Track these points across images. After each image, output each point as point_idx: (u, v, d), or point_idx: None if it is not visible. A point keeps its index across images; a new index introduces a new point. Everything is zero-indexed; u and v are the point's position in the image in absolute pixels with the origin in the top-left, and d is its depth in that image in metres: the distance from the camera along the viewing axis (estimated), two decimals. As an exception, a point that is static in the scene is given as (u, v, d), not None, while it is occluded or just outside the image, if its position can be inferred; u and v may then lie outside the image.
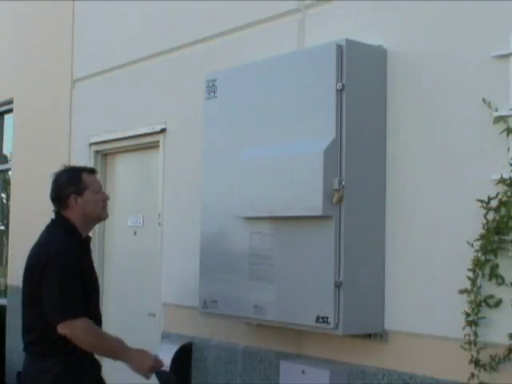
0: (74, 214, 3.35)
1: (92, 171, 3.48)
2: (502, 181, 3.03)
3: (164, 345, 4.89)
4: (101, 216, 3.48)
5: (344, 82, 3.38)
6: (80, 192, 3.33)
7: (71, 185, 3.34)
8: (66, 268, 3.17)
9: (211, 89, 4.10)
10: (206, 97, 4.14)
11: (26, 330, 3.32)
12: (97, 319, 3.35)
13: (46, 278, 3.17)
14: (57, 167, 6.23)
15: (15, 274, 7.33)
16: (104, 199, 3.45)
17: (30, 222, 7.02)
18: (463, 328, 3.10)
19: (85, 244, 3.44)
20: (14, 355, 7.18)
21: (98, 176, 3.53)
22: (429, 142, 3.40)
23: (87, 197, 3.34)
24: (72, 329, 3.16)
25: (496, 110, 3.11)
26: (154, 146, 5.38)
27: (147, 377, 3.43)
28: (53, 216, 3.47)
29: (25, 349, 3.34)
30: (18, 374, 7.20)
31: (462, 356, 3.13)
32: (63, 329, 3.15)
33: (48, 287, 3.16)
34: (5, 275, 7.82)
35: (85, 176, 3.38)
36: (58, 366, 3.19)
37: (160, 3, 5.34)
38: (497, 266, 3.05)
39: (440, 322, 3.30)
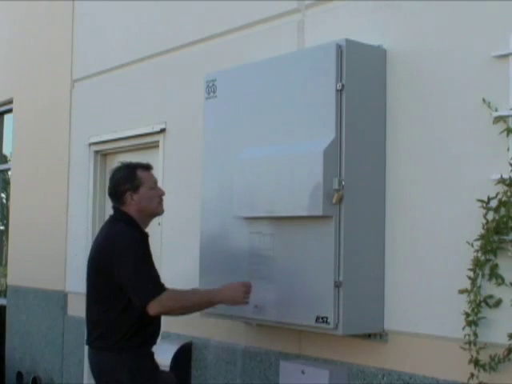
0: (131, 210, 3.41)
1: (147, 167, 3.52)
2: (501, 181, 3.03)
3: (164, 345, 4.89)
4: (156, 211, 3.54)
5: (344, 82, 3.38)
6: (135, 188, 3.40)
7: (127, 182, 3.41)
8: (135, 253, 3.25)
9: (211, 89, 4.10)
10: (206, 97, 4.14)
11: (94, 325, 3.38)
12: None
13: (120, 267, 3.23)
14: (56, 167, 6.22)
15: (15, 274, 7.35)
16: (159, 195, 3.52)
17: (30, 221, 7.03)
18: (463, 328, 3.10)
19: (146, 238, 3.49)
20: (13, 355, 7.18)
21: (154, 172, 3.59)
22: (428, 141, 3.40)
23: (142, 193, 3.41)
24: (161, 306, 3.23)
25: (496, 110, 3.11)
26: (154, 146, 5.38)
27: (247, 303, 3.44)
28: (101, 213, 3.58)
29: (91, 343, 3.40)
30: (18, 373, 7.25)
31: (461, 356, 3.13)
32: (152, 309, 3.21)
33: (125, 276, 3.23)
34: (5, 275, 7.82)
35: (140, 172, 3.44)
36: (129, 360, 3.28)
37: (160, 3, 5.34)
38: (496, 265, 3.05)
39: (440, 322, 3.30)
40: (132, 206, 3.40)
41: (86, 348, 3.62)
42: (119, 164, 3.55)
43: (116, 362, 3.28)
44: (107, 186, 3.55)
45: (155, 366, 3.45)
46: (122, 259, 3.23)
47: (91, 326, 3.42)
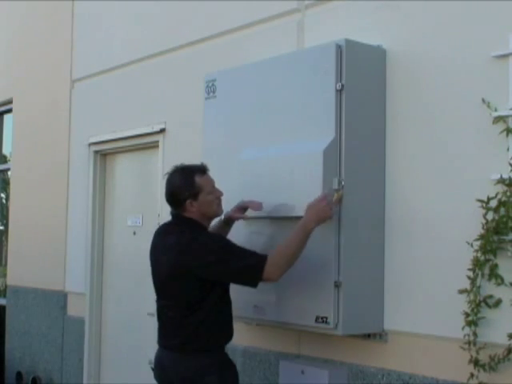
0: (193, 215, 3.36)
1: (204, 171, 3.44)
2: (501, 181, 3.03)
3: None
4: (216, 214, 3.49)
5: (343, 82, 3.38)
6: (195, 196, 3.33)
7: (185, 190, 3.33)
8: (220, 247, 3.20)
9: (211, 89, 4.10)
10: (206, 97, 4.14)
11: (174, 331, 3.31)
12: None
13: (211, 266, 3.17)
14: (56, 167, 6.19)
15: (14, 274, 7.35)
16: (217, 197, 3.45)
17: (30, 221, 7.03)
18: (463, 328, 3.10)
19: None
20: (13, 355, 7.18)
21: (210, 174, 3.48)
22: (428, 141, 3.40)
23: (202, 199, 3.34)
24: (278, 267, 3.18)
25: (495, 110, 3.11)
26: (154, 146, 5.38)
27: (332, 215, 3.29)
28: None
29: (170, 349, 3.34)
30: (18, 373, 7.25)
31: (461, 356, 3.13)
32: (272, 274, 3.18)
33: (221, 271, 3.19)
34: (4, 275, 7.82)
35: (197, 179, 3.36)
36: (214, 366, 3.26)
37: (159, 3, 5.34)
38: (496, 265, 3.05)
39: (439, 321, 3.31)
40: (193, 212, 3.35)
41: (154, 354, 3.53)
42: (174, 168, 3.45)
43: (200, 365, 3.25)
44: (164, 191, 3.43)
45: (234, 363, 3.44)
46: (207, 260, 3.17)
47: (171, 334, 3.34)
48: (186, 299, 3.27)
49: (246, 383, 4.26)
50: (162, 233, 3.48)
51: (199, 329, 3.26)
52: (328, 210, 3.23)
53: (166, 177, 3.44)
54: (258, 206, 3.55)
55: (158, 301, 3.45)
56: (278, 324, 3.67)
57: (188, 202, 3.33)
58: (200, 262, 3.19)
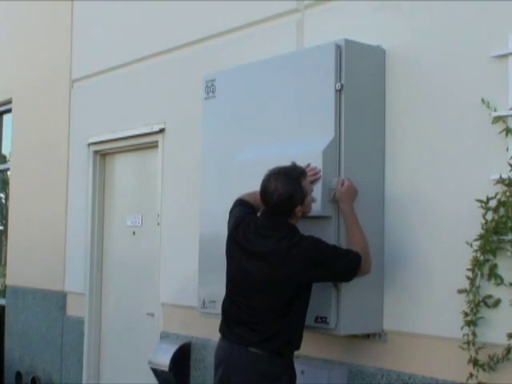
0: (294, 220, 3.25)
1: (305, 173, 3.29)
2: (500, 181, 3.03)
3: (163, 345, 4.89)
4: (308, 213, 3.36)
5: (343, 82, 3.38)
6: (302, 200, 3.21)
7: (297, 197, 3.19)
8: (313, 249, 3.13)
9: (210, 89, 4.10)
10: (205, 97, 4.14)
11: (254, 329, 3.22)
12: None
13: (312, 270, 3.12)
14: (56, 167, 6.19)
15: (14, 274, 7.35)
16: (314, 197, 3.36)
17: (29, 221, 7.02)
18: (462, 328, 3.10)
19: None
20: (13, 355, 7.18)
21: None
22: (427, 141, 3.41)
23: (307, 202, 3.25)
24: (368, 268, 3.24)
25: (495, 110, 3.11)
26: (153, 146, 5.38)
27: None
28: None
29: (247, 345, 3.23)
30: (17, 373, 7.25)
31: (460, 356, 3.13)
32: (365, 274, 3.25)
33: (324, 273, 3.15)
34: (4, 275, 7.82)
35: (303, 182, 3.22)
36: (288, 371, 3.23)
37: (158, 3, 5.34)
38: (496, 266, 3.05)
39: (439, 322, 3.31)
40: (297, 217, 3.24)
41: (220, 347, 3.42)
42: (274, 173, 3.22)
43: (276, 366, 3.20)
44: (266, 197, 3.21)
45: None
46: (311, 265, 3.11)
47: (253, 328, 3.23)
48: (278, 303, 3.18)
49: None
50: (255, 232, 3.27)
51: (282, 330, 3.19)
52: (352, 186, 3.30)
53: (265, 183, 3.22)
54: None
55: (235, 296, 3.31)
56: (278, 324, 3.67)
57: (298, 208, 3.20)
58: (301, 269, 3.11)
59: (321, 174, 3.35)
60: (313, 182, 3.33)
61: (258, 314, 3.22)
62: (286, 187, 3.16)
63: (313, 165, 3.36)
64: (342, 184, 3.31)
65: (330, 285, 3.32)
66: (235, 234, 3.34)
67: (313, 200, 3.30)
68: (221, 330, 3.37)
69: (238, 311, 3.29)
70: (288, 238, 3.16)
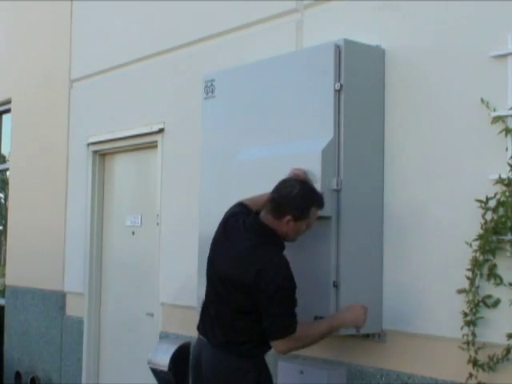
0: (279, 230, 3.19)
1: (320, 206, 3.22)
2: (500, 181, 3.03)
3: (162, 345, 4.89)
4: (292, 240, 3.29)
5: (342, 82, 3.38)
6: (297, 219, 3.16)
7: (297, 208, 3.14)
8: (284, 297, 3.10)
9: (209, 89, 4.10)
10: (205, 97, 4.14)
11: (222, 330, 3.23)
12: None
13: (267, 304, 3.09)
14: (55, 167, 6.18)
15: (13, 274, 7.34)
16: (305, 231, 3.28)
17: (29, 221, 7.02)
18: (461, 328, 3.10)
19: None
20: (12, 355, 7.17)
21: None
22: (427, 141, 3.40)
23: (299, 225, 3.19)
24: (286, 347, 3.16)
25: (494, 110, 3.11)
26: (152, 146, 5.38)
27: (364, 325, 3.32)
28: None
29: (212, 343, 3.26)
30: (17, 373, 7.24)
31: (460, 356, 3.13)
32: (278, 348, 3.16)
33: (266, 311, 3.11)
34: (3, 275, 7.82)
35: (313, 209, 3.18)
36: (253, 368, 3.20)
37: (158, 3, 5.34)
38: (495, 266, 3.06)
39: (438, 321, 3.31)
40: (282, 228, 3.18)
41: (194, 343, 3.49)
42: (305, 182, 3.20)
43: (241, 365, 3.19)
44: (280, 186, 3.19)
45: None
46: (270, 298, 3.08)
47: (219, 326, 3.26)
48: (243, 304, 3.17)
49: (245, 383, 4.26)
50: (238, 231, 3.26)
51: (248, 334, 3.19)
52: (365, 319, 3.23)
53: (288, 179, 3.21)
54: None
55: (210, 296, 3.33)
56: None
57: (288, 217, 3.15)
58: (264, 289, 3.08)
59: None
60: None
61: (227, 313, 3.22)
62: (298, 196, 3.13)
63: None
64: (364, 308, 3.25)
65: (328, 285, 3.32)
66: (223, 229, 3.34)
67: (305, 229, 3.23)
68: (197, 326, 3.41)
69: (209, 307, 3.32)
70: (269, 250, 3.14)
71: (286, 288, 3.09)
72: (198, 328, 3.40)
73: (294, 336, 3.11)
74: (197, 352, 3.37)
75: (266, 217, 3.20)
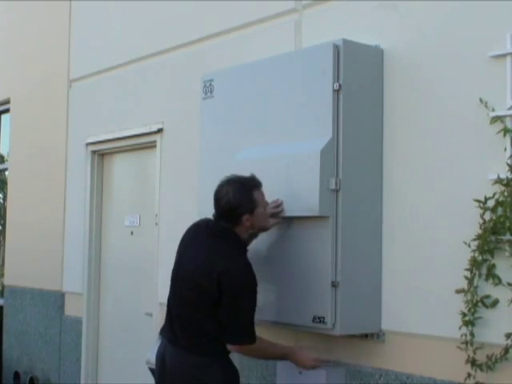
0: (242, 230, 3.30)
1: (259, 185, 3.35)
2: (498, 181, 3.03)
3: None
4: (265, 228, 3.44)
5: (341, 82, 3.38)
6: (251, 211, 3.26)
7: (245, 205, 3.24)
8: (245, 300, 3.19)
9: (208, 89, 4.10)
10: (203, 97, 4.14)
11: (185, 331, 3.30)
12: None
13: (228, 304, 3.17)
14: (54, 167, 6.17)
15: (12, 274, 7.34)
16: (270, 213, 3.41)
17: (27, 221, 7.02)
18: (460, 328, 3.10)
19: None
20: (11, 355, 7.17)
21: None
22: (425, 141, 3.40)
23: (257, 214, 3.28)
24: (242, 351, 3.36)
25: (493, 110, 3.11)
26: (151, 145, 5.37)
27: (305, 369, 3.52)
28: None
29: (175, 343, 3.33)
30: (16, 373, 7.24)
31: (458, 356, 3.13)
32: (234, 349, 3.30)
33: (226, 314, 3.20)
34: (2, 275, 7.81)
35: (255, 193, 3.28)
36: (215, 363, 3.27)
37: (157, 3, 5.34)
38: (494, 266, 3.06)
39: (437, 321, 3.31)
40: (245, 226, 3.28)
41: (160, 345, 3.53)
42: (227, 180, 3.31)
43: (202, 362, 3.25)
44: (216, 200, 3.30)
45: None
46: (233, 300, 3.16)
47: (182, 330, 3.31)
48: (206, 306, 3.22)
49: (244, 383, 4.26)
50: (202, 235, 3.38)
51: (211, 335, 3.25)
52: (307, 367, 3.43)
53: (219, 187, 3.31)
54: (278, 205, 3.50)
55: (174, 298, 3.39)
56: (276, 324, 3.67)
57: (245, 217, 3.25)
58: (228, 293, 3.15)
59: (283, 207, 3.44)
60: (275, 214, 3.44)
61: (190, 315, 3.28)
62: (237, 195, 3.24)
63: (279, 200, 3.46)
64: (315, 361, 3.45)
65: (327, 284, 3.32)
66: (188, 236, 3.49)
67: (267, 216, 3.35)
68: (161, 329, 3.50)
69: (172, 309, 3.39)
70: (235, 254, 3.23)
71: (249, 290, 3.19)
72: (162, 331, 3.46)
73: (251, 348, 3.26)
74: (161, 354, 3.43)
75: (227, 226, 3.30)
